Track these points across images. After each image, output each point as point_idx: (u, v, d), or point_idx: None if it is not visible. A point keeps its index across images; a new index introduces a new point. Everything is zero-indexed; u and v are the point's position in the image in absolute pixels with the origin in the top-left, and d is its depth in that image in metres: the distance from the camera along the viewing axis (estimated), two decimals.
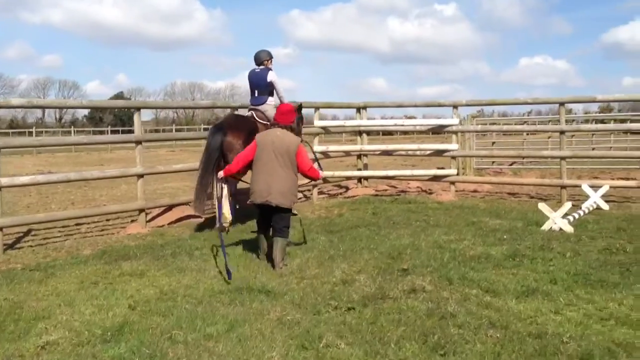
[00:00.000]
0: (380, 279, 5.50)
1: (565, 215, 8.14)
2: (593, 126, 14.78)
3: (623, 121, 20.27)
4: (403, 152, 11.54)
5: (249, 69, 8.99)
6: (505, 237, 7.29)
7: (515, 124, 18.29)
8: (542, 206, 7.97)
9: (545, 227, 7.78)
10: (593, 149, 21.05)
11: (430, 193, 11.80)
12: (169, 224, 8.76)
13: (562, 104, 10.41)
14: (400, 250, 6.59)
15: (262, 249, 6.41)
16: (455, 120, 11.10)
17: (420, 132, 27.35)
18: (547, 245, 6.74)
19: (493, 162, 17.76)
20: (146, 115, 78.49)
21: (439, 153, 11.43)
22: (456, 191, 11.86)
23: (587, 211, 9.00)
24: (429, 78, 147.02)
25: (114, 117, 71.50)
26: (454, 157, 11.28)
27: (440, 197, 10.95)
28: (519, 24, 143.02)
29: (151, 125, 68.73)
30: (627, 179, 13.96)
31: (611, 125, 15.36)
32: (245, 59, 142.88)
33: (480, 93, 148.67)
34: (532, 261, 6.05)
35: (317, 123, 11.08)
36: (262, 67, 8.95)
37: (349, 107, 12.40)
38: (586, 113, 39.36)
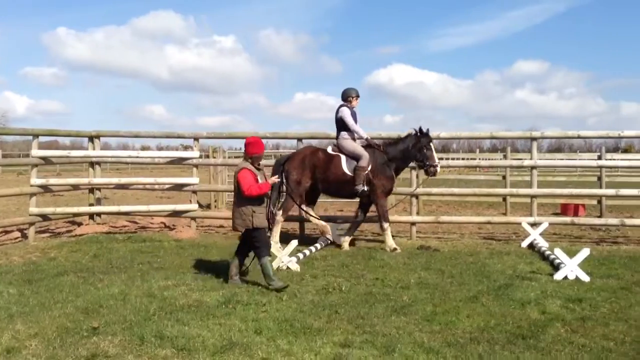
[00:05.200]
0: (58, 343, 4.58)
1: (297, 252, 8.05)
2: None
3: None
4: (140, 186, 10.63)
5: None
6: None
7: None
8: (272, 245, 7.72)
9: (274, 265, 7.52)
10: None
11: (173, 229, 11.05)
12: None
13: (299, 139, 10.53)
14: (102, 303, 5.72)
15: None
16: (196, 153, 10.58)
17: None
18: (267, 287, 6.43)
19: None
20: None
21: (179, 187, 10.76)
22: (200, 227, 11.33)
23: (319, 247, 9.06)
24: (210, 107, 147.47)
25: None
26: (194, 192, 10.71)
27: (180, 235, 10.26)
28: (294, 60, 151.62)
29: None
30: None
31: None
32: (2, 77, 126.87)
33: (260, 124, 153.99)
34: (245, 307, 5.64)
35: (36, 153, 9.64)
36: (344, 103, 9.27)
37: (78, 135, 11.13)
38: None
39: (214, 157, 15.36)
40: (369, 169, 9.08)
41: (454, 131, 10.87)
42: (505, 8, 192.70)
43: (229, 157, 17.59)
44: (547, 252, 8.21)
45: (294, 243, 7.68)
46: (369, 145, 9.32)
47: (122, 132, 10.92)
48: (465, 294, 6.19)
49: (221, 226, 11.91)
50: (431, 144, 9.20)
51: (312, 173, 9.20)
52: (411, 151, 9.16)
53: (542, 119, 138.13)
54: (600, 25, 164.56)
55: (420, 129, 9.15)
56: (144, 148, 62.38)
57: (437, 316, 5.39)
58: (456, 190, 11.56)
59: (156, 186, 10.83)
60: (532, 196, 10.12)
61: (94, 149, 10.67)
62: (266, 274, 6.46)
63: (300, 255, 8.05)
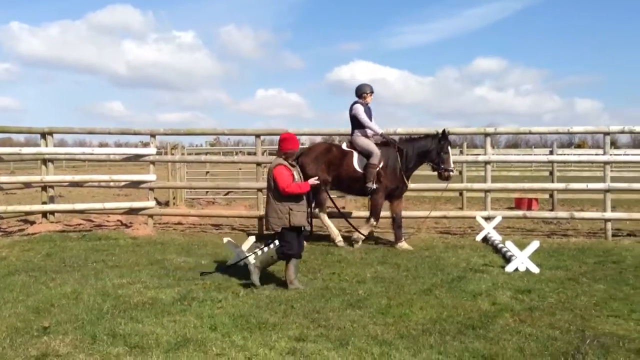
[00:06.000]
0: (7, 343, 4.50)
1: (256, 248, 8.04)
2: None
3: None
4: (96, 184, 10.45)
5: None
6: (186, 276, 6.83)
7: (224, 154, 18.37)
8: (227, 241, 7.72)
9: (231, 262, 7.53)
10: None
11: (130, 227, 10.90)
12: None
13: (257, 135, 10.52)
14: (53, 302, 5.63)
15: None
16: (152, 150, 10.45)
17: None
18: (224, 283, 6.45)
19: (207, 191, 17.56)
20: None
21: (135, 184, 10.62)
22: (158, 224, 11.21)
23: (278, 243, 9.06)
24: (170, 104, 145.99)
25: None
26: (151, 189, 10.58)
27: (136, 232, 10.13)
28: (255, 56, 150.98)
29: None
30: None
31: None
32: None
33: (221, 121, 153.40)
34: (201, 304, 5.63)
35: None
36: (358, 99, 9.15)
37: (30, 132, 10.87)
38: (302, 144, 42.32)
39: (172, 154, 15.19)
40: (381, 165, 8.98)
41: (415, 127, 10.92)
42: (464, 6, 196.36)
43: (188, 154, 17.45)
44: (500, 245, 8.42)
45: (252, 239, 7.69)
46: (385, 142, 9.20)
47: (77, 128, 10.72)
48: (420, 287, 6.31)
49: (179, 223, 11.82)
50: (449, 147, 9.08)
51: (328, 169, 9.07)
52: (428, 152, 9.05)
53: (501, 115, 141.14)
54: (555, 23, 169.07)
55: (444, 131, 9.03)
56: (101, 145, 61.46)
57: (391, 309, 5.48)
58: (413, 185, 11.70)
59: (112, 183, 10.66)
60: (486, 191, 10.35)
61: (46, 145, 10.43)
62: (256, 267, 6.43)
63: (259, 252, 8.03)
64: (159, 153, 12.13)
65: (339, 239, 9.07)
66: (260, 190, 10.63)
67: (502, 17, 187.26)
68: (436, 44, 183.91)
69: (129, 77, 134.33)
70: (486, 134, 10.39)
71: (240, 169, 20.77)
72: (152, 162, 10.58)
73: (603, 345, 4.48)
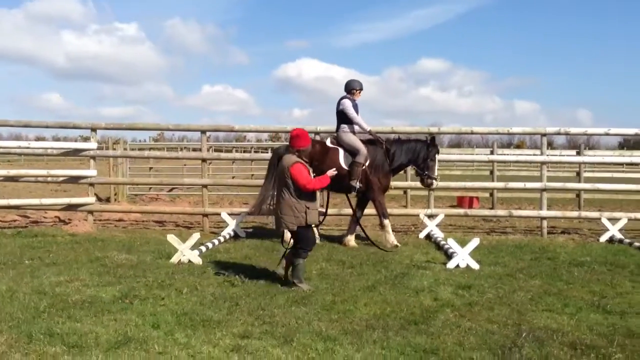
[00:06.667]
0: None
1: (201, 245, 7.98)
2: (231, 155, 15.51)
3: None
4: (32, 179, 10.06)
5: None
6: (127, 273, 6.67)
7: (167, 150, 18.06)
8: (171, 238, 7.60)
9: (174, 259, 7.42)
10: (233, 177, 21.50)
11: (68, 223, 10.56)
12: None
13: (203, 131, 10.39)
14: None
15: None
16: (93, 144, 10.16)
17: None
18: (167, 281, 6.33)
19: (150, 188, 17.20)
20: None
21: (75, 180, 10.29)
22: (98, 221, 10.92)
23: (222, 240, 9.00)
24: (112, 98, 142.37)
25: None
26: (91, 184, 10.27)
27: (75, 229, 9.83)
28: (201, 51, 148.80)
29: None
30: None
31: (247, 155, 16.18)
32: None
33: (166, 116, 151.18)
34: (142, 302, 5.51)
35: None
36: (346, 95, 9.03)
37: None
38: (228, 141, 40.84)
39: (114, 149, 14.81)
40: (367, 164, 8.88)
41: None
42: (411, 6, 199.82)
43: (130, 149, 17.04)
44: (442, 242, 8.62)
45: (196, 236, 7.60)
46: (371, 140, 9.10)
47: (12, 121, 10.28)
48: (364, 284, 6.38)
49: (121, 220, 11.56)
50: (436, 155, 9.10)
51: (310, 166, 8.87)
52: (416, 156, 9.07)
53: (445, 115, 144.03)
54: (495, 26, 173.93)
55: (433, 138, 9.08)
56: (38, 139, 59.04)
57: (336, 305, 5.53)
58: None
59: (49, 179, 10.30)
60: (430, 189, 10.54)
61: None
62: (296, 275, 6.21)
63: (203, 248, 7.96)
64: (100, 148, 11.81)
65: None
66: (205, 186, 10.51)
67: (446, 19, 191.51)
68: (382, 43, 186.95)
69: (68, 68, 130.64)
70: (430, 134, 10.58)
71: (185, 165, 20.45)
72: (93, 157, 10.27)
73: (538, 339, 4.65)
